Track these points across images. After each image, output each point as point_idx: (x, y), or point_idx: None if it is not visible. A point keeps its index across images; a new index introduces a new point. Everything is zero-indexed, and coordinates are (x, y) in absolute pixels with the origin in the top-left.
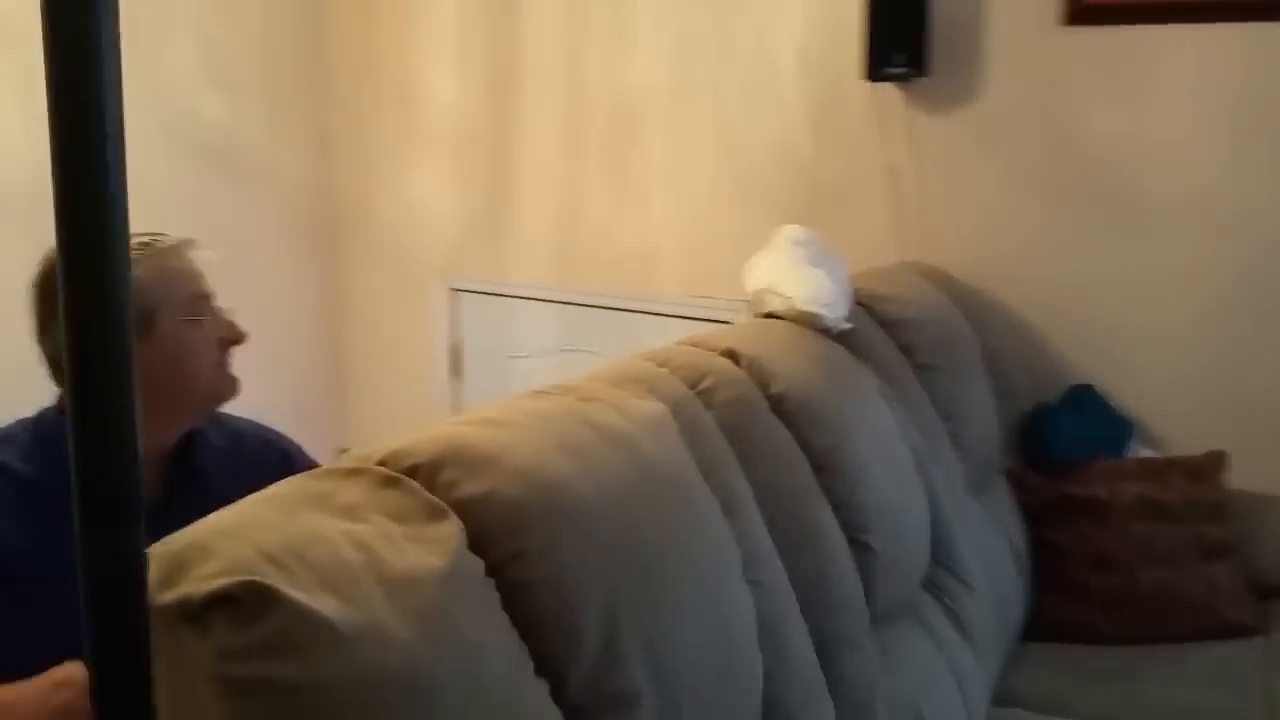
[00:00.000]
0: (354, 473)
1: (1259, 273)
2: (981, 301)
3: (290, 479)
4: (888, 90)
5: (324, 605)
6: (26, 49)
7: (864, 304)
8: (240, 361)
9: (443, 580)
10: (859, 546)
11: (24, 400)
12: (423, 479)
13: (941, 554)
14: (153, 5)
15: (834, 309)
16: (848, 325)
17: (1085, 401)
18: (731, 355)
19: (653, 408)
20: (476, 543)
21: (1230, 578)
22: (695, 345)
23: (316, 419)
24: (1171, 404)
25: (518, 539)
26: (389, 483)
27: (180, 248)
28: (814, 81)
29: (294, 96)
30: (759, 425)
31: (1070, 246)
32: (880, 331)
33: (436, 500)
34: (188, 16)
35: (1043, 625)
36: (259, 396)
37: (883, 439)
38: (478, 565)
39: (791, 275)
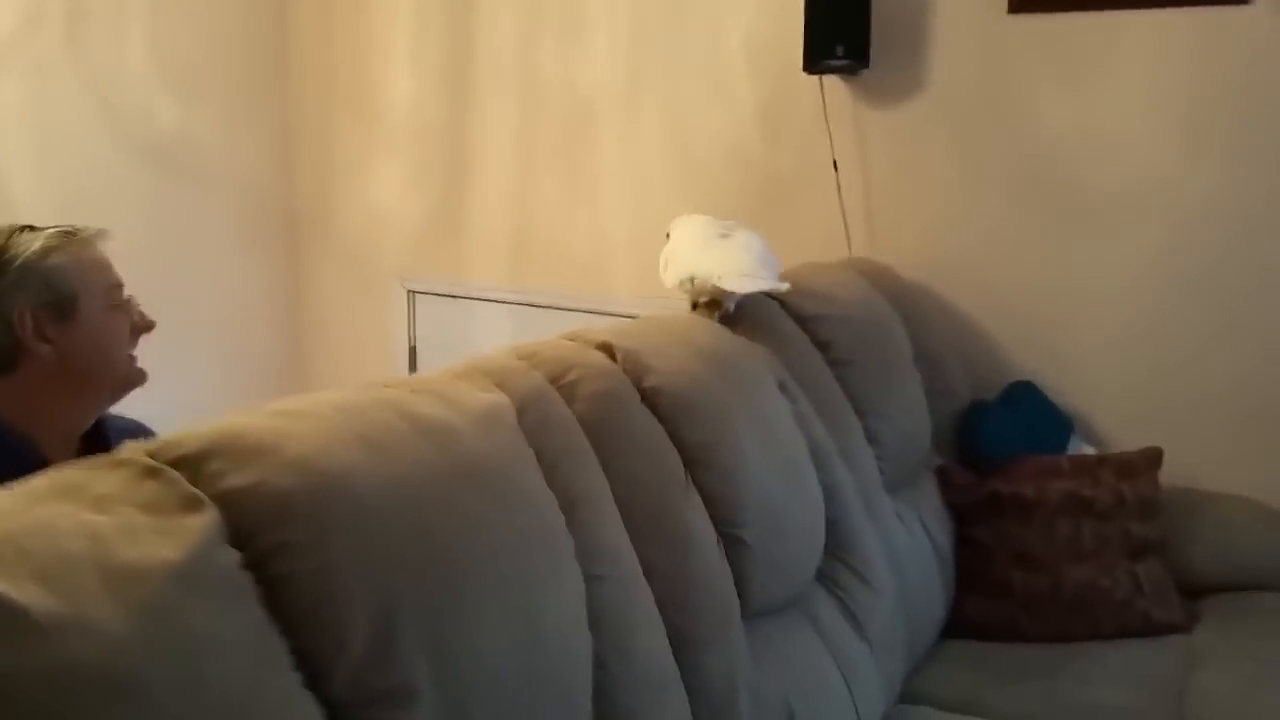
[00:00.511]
0: (119, 464)
1: (1210, 268)
2: (923, 298)
3: (58, 468)
4: (834, 83)
5: (26, 594)
6: None
7: (779, 298)
8: (200, 362)
9: (176, 573)
10: (731, 540)
11: None
12: (188, 470)
13: (841, 549)
14: (103, 7)
15: (760, 277)
16: (784, 286)
17: (1023, 398)
18: (606, 348)
19: (489, 400)
20: (239, 534)
21: (1158, 575)
22: (573, 339)
23: None
24: (1115, 401)
25: (283, 531)
26: (149, 474)
27: (96, 238)
28: (762, 75)
29: (252, 97)
30: (626, 419)
31: (1018, 242)
32: (793, 325)
33: (195, 491)
34: (139, 18)
35: (963, 624)
36: (219, 397)
37: (772, 434)
38: (230, 557)
39: (704, 257)
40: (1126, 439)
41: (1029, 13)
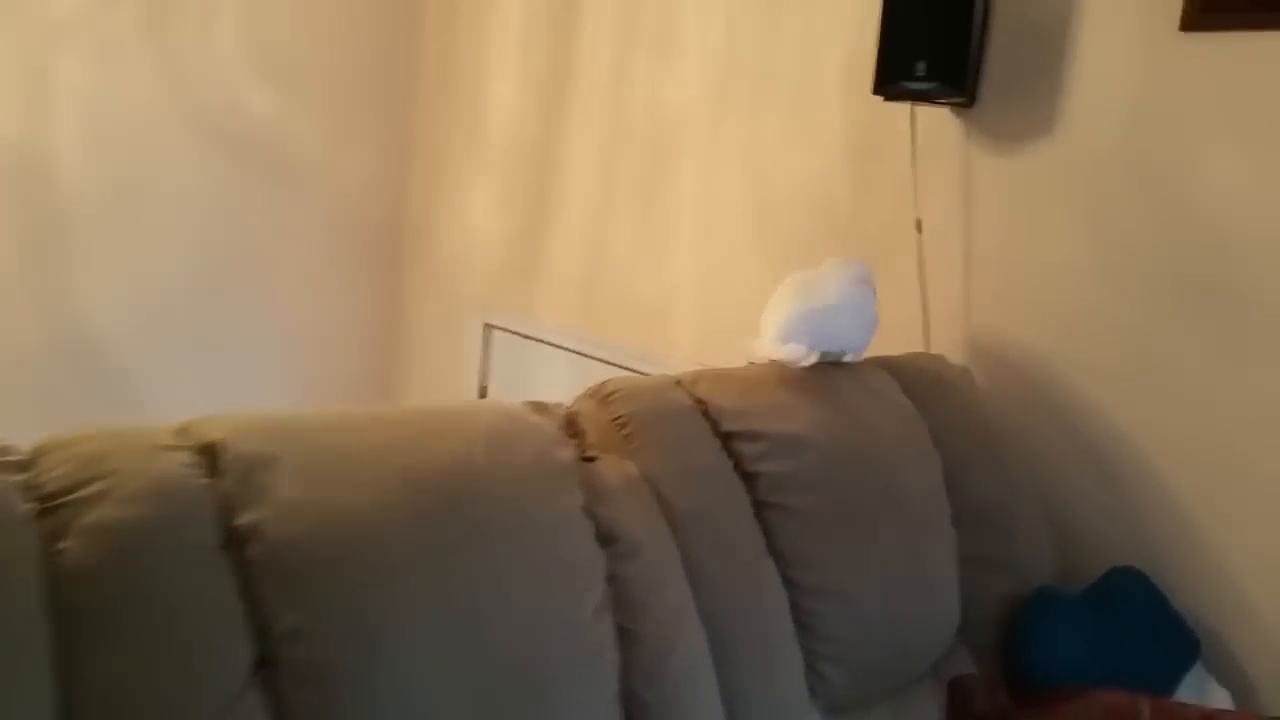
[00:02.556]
0: None
1: None
2: (1001, 425)
3: None
4: (937, 119)
5: None
6: (17, 25)
7: (708, 411)
8: (277, 378)
9: None
10: None
11: None
12: None
13: None
14: None
15: (784, 346)
16: (809, 358)
17: (1125, 595)
18: None
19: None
20: None
21: None
22: None
23: None
24: (1272, 621)
25: None
26: None
27: None
28: (859, 104)
29: (369, 99)
30: None
31: (1161, 365)
32: (714, 444)
33: None
34: (233, 4)
35: None
36: None
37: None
38: None
39: (773, 308)
40: None
41: (1212, 30)
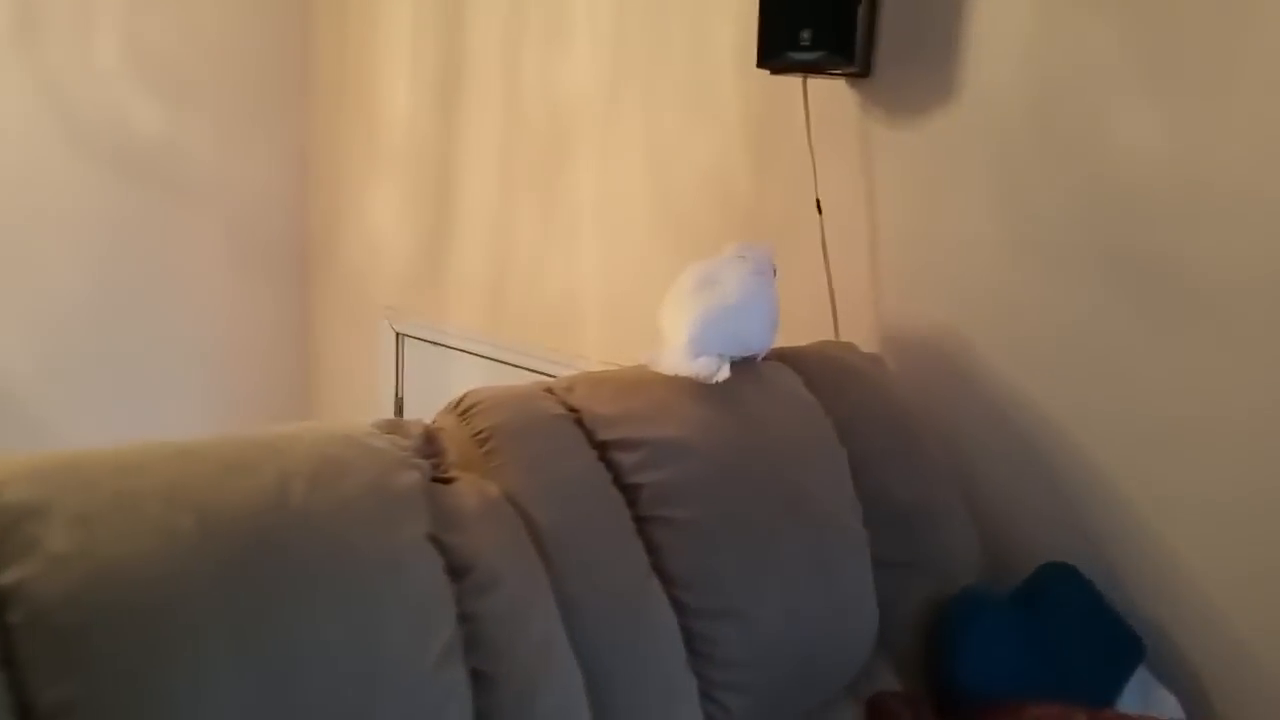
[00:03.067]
0: None
1: None
2: (919, 414)
3: None
4: (834, 91)
5: None
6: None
7: (582, 419)
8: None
9: None
10: None
11: None
12: None
13: None
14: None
15: (695, 362)
16: (719, 374)
17: (1057, 593)
18: None
19: None
20: None
21: None
22: None
23: None
24: (1224, 618)
25: None
26: None
27: None
28: (753, 81)
29: (263, 106)
30: None
31: (1084, 341)
32: (588, 456)
33: None
34: (109, 11)
35: None
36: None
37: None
38: None
39: (668, 312)
40: (1243, 695)
41: None
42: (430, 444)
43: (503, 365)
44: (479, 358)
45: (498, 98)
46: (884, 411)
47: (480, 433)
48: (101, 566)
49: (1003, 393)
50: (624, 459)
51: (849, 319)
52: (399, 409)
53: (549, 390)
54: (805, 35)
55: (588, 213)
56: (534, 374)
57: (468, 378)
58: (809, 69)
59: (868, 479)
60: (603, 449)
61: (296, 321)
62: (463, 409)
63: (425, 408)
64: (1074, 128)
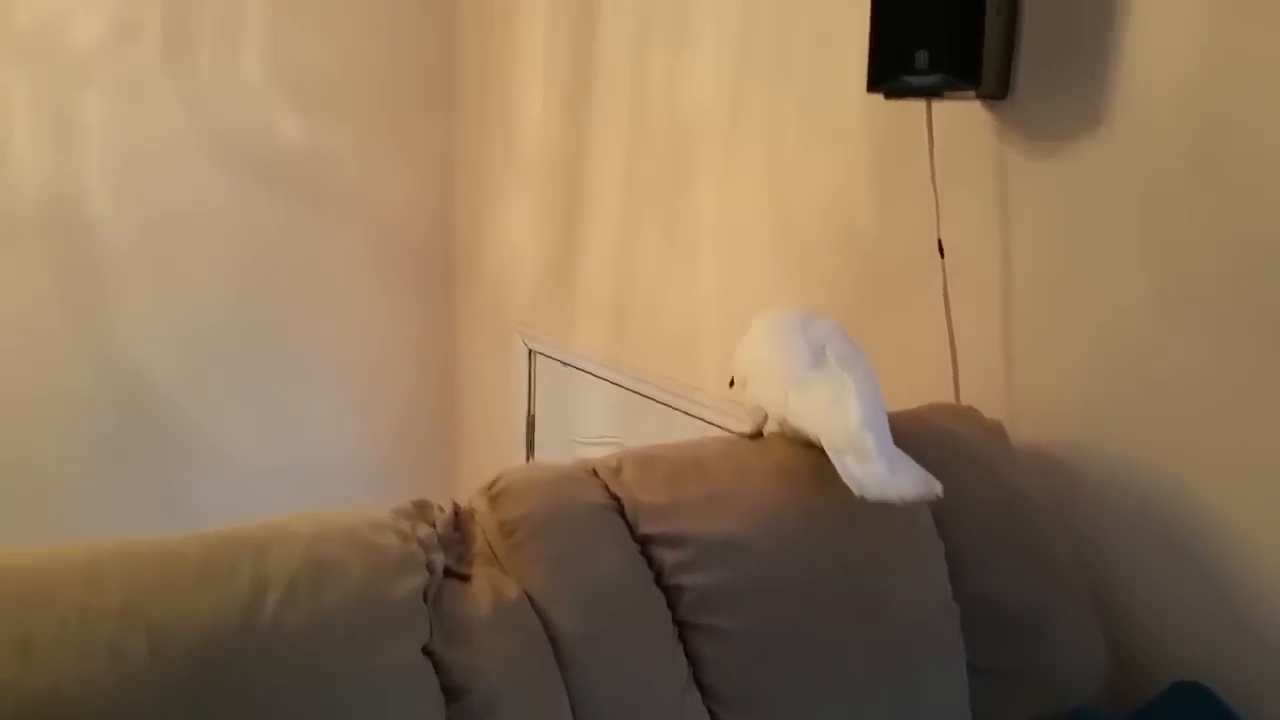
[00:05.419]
0: None
1: None
2: (1040, 494)
3: None
4: (970, 116)
5: None
6: (40, 65)
7: (624, 509)
8: (328, 410)
9: None
10: None
11: None
12: None
13: None
14: (210, 16)
15: (896, 480)
16: (934, 491)
17: (1190, 718)
18: None
19: None
20: None
21: None
22: None
23: (423, 476)
24: None
25: None
26: None
27: None
28: (878, 103)
29: (399, 116)
30: None
31: (1245, 413)
32: (629, 551)
33: None
34: (254, 27)
35: None
36: (355, 452)
37: None
38: None
39: (797, 397)
40: None
41: None
42: (457, 530)
43: (627, 392)
44: (604, 381)
45: (624, 109)
46: (994, 496)
47: (507, 523)
48: (36, 697)
49: (1149, 476)
50: (667, 557)
51: (972, 379)
52: (530, 426)
53: (593, 472)
54: (922, 57)
55: (707, 236)
56: (656, 404)
57: (594, 401)
58: (927, 94)
59: (968, 576)
60: (645, 543)
61: (439, 334)
62: (494, 492)
63: (556, 427)
64: (1244, 169)
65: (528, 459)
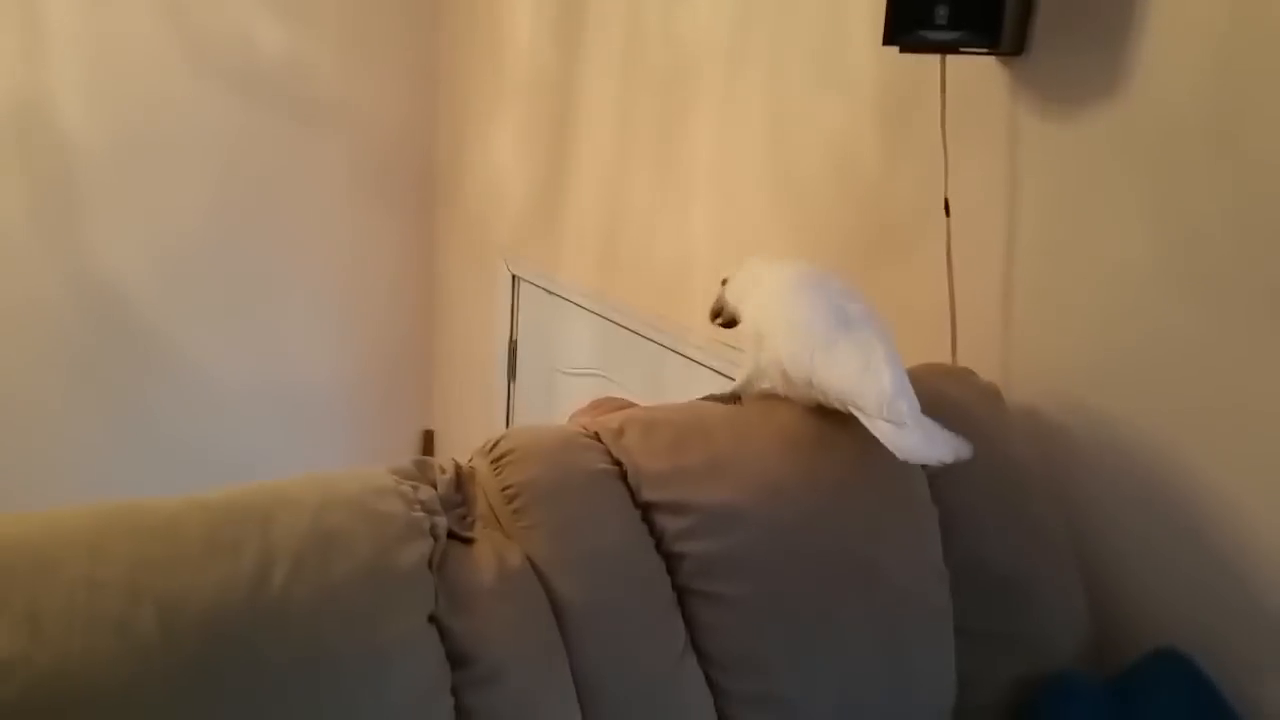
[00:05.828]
0: None
1: None
2: (1037, 459)
3: None
4: (985, 71)
5: None
6: None
7: (627, 475)
8: (308, 324)
9: None
10: None
11: None
12: None
13: None
14: None
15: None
16: (965, 453)
17: (1163, 689)
18: None
19: None
20: None
21: None
22: None
23: (401, 396)
24: None
25: None
26: None
27: None
28: (889, 52)
29: (383, 28)
30: None
31: (1246, 385)
32: (630, 518)
33: None
34: None
35: None
36: (333, 368)
37: None
38: None
39: (824, 360)
40: None
41: None
42: (459, 491)
43: (613, 325)
44: (590, 313)
45: (619, 32)
46: (988, 462)
47: (510, 488)
48: (45, 673)
49: (1142, 444)
50: (668, 524)
51: (970, 340)
52: (512, 352)
53: (595, 436)
54: (942, 12)
55: (702, 171)
56: (642, 339)
57: (579, 332)
58: (944, 49)
59: (960, 541)
60: (646, 510)
61: (420, 252)
62: (495, 455)
63: (538, 354)
64: (1262, 141)
65: (509, 384)
